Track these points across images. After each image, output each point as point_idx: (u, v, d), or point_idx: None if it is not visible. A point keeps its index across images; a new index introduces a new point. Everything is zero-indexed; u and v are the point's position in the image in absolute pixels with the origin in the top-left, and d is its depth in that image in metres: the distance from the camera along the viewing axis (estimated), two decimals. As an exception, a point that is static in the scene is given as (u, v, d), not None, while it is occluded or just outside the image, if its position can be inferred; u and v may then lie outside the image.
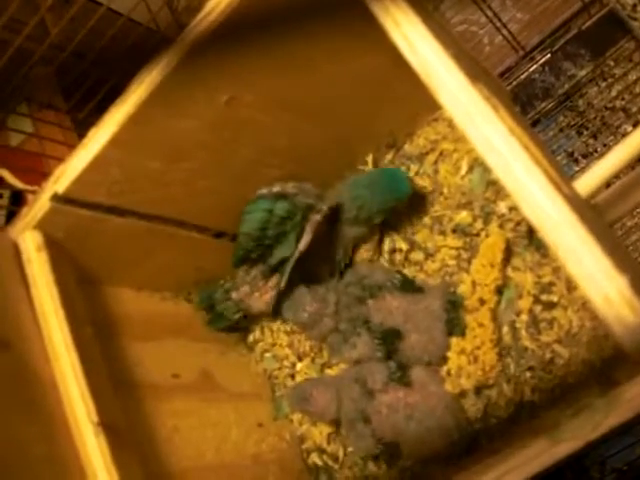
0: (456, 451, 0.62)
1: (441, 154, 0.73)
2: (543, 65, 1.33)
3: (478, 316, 0.63)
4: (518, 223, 0.66)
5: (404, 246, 0.73)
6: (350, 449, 0.71)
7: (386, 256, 0.74)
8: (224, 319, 0.77)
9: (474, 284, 0.64)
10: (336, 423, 0.71)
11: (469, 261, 0.68)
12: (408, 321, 0.65)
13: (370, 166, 0.76)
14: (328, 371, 0.75)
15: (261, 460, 0.71)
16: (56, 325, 0.55)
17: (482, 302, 0.63)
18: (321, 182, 0.72)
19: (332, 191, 0.70)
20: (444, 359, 0.65)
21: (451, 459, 0.62)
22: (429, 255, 0.71)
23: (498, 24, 1.35)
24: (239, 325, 0.79)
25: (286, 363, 0.79)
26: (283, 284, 0.70)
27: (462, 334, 0.64)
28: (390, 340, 0.65)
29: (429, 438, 0.61)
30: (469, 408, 0.64)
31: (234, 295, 0.74)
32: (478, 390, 0.64)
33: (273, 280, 0.71)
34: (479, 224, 0.68)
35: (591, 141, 1.33)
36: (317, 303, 0.69)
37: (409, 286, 0.68)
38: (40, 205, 0.59)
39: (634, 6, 1.24)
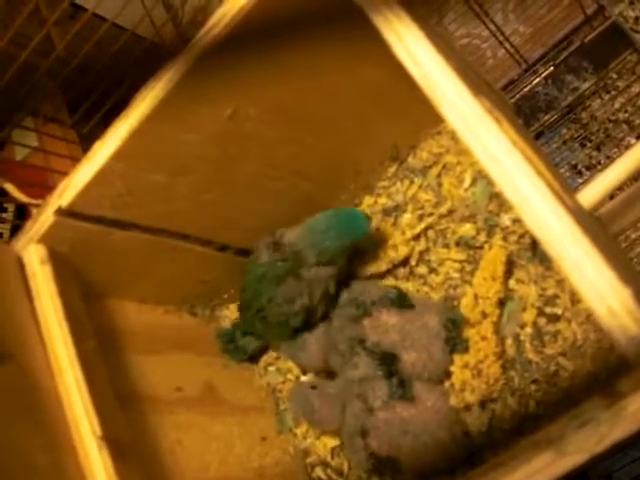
0: (455, 464, 0.62)
1: (444, 167, 0.74)
2: (546, 78, 1.33)
3: (481, 329, 0.63)
4: (522, 235, 0.66)
5: (412, 260, 0.72)
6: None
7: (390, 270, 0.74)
8: (243, 352, 0.78)
9: (476, 297, 0.64)
10: (338, 436, 0.71)
11: (473, 274, 0.67)
12: (405, 339, 0.64)
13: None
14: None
15: (265, 474, 0.70)
16: (60, 338, 0.55)
17: (484, 315, 0.63)
18: (325, 195, 0.72)
19: (291, 235, 0.68)
20: (446, 374, 0.64)
21: (453, 472, 0.62)
22: (433, 268, 0.71)
23: (501, 37, 1.35)
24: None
25: (290, 376, 0.79)
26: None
27: (465, 352, 0.63)
28: (389, 361, 0.64)
29: (426, 452, 0.61)
30: (474, 421, 0.64)
31: None
32: (483, 403, 0.63)
33: None
34: (483, 237, 0.68)
35: (594, 153, 1.33)
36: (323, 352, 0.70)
37: (405, 300, 0.67)
38: (44, 219, 0.59)
39: (636, 19, 1.24)
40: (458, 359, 0.63)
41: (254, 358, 0.81)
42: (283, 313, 0.68)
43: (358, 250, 0.72)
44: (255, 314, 0.71)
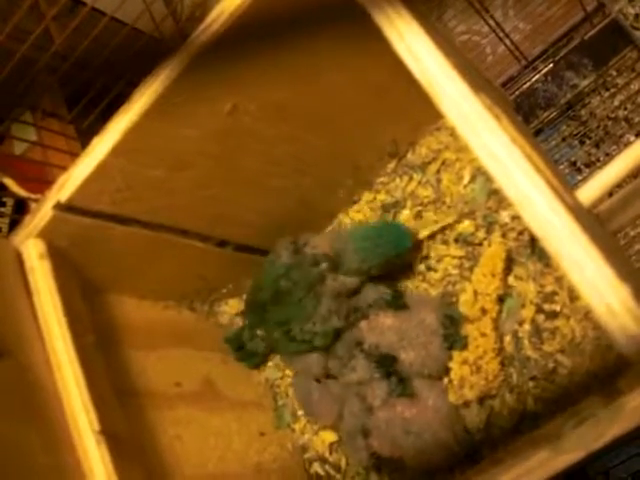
0: (457, 463, 0.62)
1: (443, 163, 0.74)
2: (546, 75, 1.33)
3: (480, 326, 0.63)
4: (520, 232, 0.66)
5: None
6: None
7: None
8: (256, 356, 0.77)
9: (475, 294, 0.64)
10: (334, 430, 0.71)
11: (471, 270, 0.67)
12: (403, 338, 0.64)
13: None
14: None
15: (263, 469, 0.71)
16: (58, 333, 0.55)
17: (484, 312, 0.63)
18: (324, 191, 0.72)
19: (334, 240, 0.68)
20: (445, 371, 0.64)
21: (451, 470, 0.62)
22: (431, 265, 0.71)
23: (501, 34, 1.35)
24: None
25: (288, 372, 0.79)
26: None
27: (463, 348, 0.63)
28: (387, 362, 0.64)
29: (429, 451, 0.61)
30: (472, 418, 0.64)
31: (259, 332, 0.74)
32: (481, 400, 0.63)
33: None
34: (481, 233, 0.68)
35: (594, 150, 1.33)
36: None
37: (400, 300, 0.67)
38: (43, 213, 0.59)
39: (636, 16, 1.24)
40: (457, 355, 0.63)
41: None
42: (310, 331, 0.67)
43: (395, 266, 0.71)
44: (277, 326, 0.69)
